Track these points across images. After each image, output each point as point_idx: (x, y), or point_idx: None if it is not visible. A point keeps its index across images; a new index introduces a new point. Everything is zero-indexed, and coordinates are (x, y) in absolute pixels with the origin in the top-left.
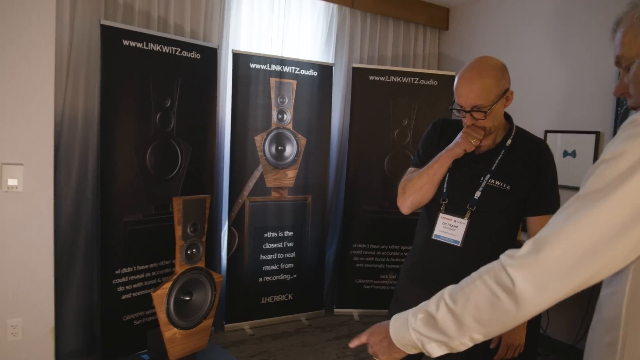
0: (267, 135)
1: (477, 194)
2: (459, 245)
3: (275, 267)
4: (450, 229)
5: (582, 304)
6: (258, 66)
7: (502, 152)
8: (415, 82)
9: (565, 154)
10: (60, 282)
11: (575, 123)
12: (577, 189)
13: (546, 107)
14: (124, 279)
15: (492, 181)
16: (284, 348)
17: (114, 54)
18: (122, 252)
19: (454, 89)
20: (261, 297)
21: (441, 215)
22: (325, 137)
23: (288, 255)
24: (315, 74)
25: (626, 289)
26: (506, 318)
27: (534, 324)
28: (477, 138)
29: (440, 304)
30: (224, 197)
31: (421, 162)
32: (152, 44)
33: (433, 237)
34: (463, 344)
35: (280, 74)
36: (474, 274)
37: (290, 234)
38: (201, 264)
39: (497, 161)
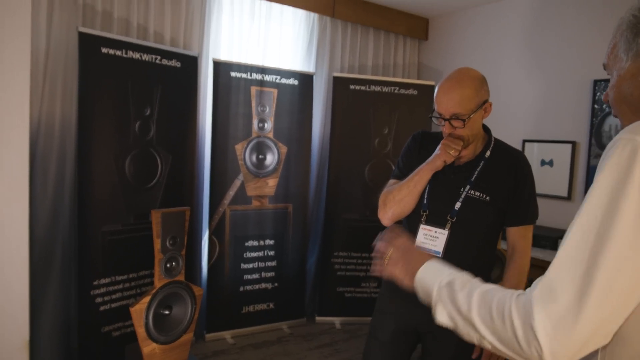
0: (248, 144)
1: (458, 205)
2: (440, 255)
3: (256, 275)
4: (431, 239)
5: None
6: (239, 75)
7: (481, 164)
8: (396, 92)
9: (543, 162)
10: (37, 294)
11: (552, 133)
12: (554, 197)
13: (524, 117)
14: (102, 290)
15: (472, 192)
16: (265, 357)
17: (92, 61)
18: (100, 263)
19: (434, 98)
20: (242, 306)
21: (422, 226)
22: (306, 146)
23: (269, 263)
24: (296, 82)
25: None
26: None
27: None
28: (455, 149)
29: (471, 304)
30: (204, 206)
31: (401, 174)
32: (131, 52)
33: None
34: (470, 336)
35: (261, 83)
36: (501, 298)
37: (271, 242)
38: (181, 277)
39: (476, 172)
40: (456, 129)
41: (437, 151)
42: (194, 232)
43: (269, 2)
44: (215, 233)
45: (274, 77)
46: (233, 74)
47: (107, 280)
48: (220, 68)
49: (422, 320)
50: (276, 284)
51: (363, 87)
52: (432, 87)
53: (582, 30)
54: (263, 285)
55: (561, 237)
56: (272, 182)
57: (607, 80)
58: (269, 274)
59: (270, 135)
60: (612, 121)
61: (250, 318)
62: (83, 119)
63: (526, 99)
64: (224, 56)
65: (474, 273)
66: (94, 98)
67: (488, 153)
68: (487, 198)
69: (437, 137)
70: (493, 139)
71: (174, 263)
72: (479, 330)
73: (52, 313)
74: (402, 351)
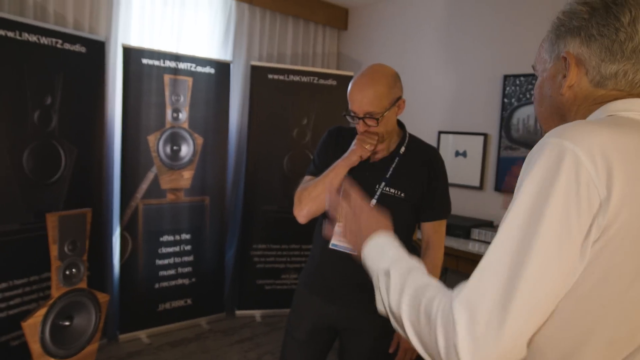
0: (161, 135)
1: (373, 202)
2: (355, 253)
3: (172, 271)
4: None
5: None
6: (151, 62)
7: (396, 160)
8: (315, 82)
9: (457, 153)
10: None
11: (466, 125)
12: (467, 187)
13: (439, 109)
14: None
15: (387, 189)
16: (183, 356)
17: None
18: None
19: (348, 95)
20: (158, 304)
21: (338, 223)
22: (222, 137)
23: (186, 258)
24: (212, 71)
25: None
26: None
27: None
28: (371, 143)
29: (400, 304)
30: (114, 201)
31: (317, 171)
32: (26, 34)
33: (330, 246)
34: (399, 332)
35: (175, 71)
36: (428, 305)
37: (187, 236)
38: (83, 285)
39: (391, 169)
40: (370, 127)
41: (352, 146)
42: (103, 228)
43: None
44: (127, 229)
45: (189, 65)
46: (145, 61)
47: (4, 285)
48: (131, 55)
49: (338, 317)
50: (193, 279)
51: (282, 77)
52: (351, 78)
53: (495, 27)
54: (180, 281)
55: (474, 226)
56: (187, 175)
57: (516, 76)
58: (186, 269)
59: (185, 125)
60: (520, 114)
61: (166, 315)
62: None
63: (442, 91)
64: (135, 42)
65: None
66: None
67: (403, 149)
68: (402, 194)
69: (353, 133)
70: (408, 135)
71: (74, 270)
72: (407, 333)
73: None
74: (319, 349)
